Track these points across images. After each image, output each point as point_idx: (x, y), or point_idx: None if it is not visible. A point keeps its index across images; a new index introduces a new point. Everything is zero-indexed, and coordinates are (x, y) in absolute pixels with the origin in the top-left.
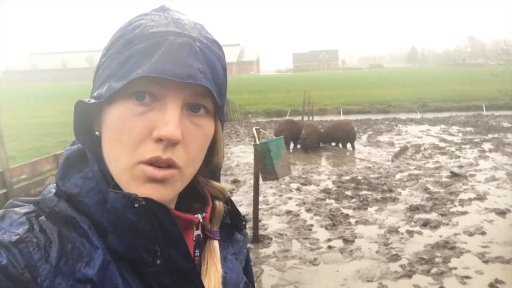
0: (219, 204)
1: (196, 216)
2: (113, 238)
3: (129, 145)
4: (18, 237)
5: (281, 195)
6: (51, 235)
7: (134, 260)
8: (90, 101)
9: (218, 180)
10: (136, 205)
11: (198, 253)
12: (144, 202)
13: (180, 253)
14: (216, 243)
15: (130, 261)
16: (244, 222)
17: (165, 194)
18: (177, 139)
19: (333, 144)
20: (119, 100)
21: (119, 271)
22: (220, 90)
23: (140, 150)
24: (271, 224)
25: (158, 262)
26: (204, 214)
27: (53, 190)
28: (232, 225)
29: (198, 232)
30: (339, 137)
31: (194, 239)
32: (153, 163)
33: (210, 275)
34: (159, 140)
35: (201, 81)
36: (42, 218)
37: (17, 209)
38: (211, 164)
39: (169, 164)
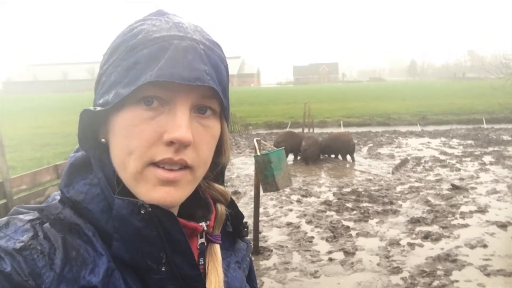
0: (221, 208)
1: (200, 224)
2: (118, 245)
3: (139, 150)
4: (22, 244)
5: (281, 207)
6: (55, 242)
7: (139, 267)
8: (96, 109)
9: (223, 180)
10: (142, 212)
11: (202, 262)
12: (150, 209)
13: (186, 261)
14: (217, 247)
15: (134, 268)
16: (246, 229)
17: (177, 197)
18: (189, 141)
19: (333, 156)
20: (127, 106)
21: (123, 279)
22: (225, 91)
23: (151, 153)
24: (272, 236)
25: (163, 269)
26: (208, 222)
27: (58, 197)
28: (234, 231)
29: (202, 240)
30: (338, 149)
31: (198, 247)
32: (165, 164)
33: (211, 279)
34: (170, 143)
35: (208, 83)
36: (47, 225)
37: (21, 216)
38: (217, 166)
39: (182, 165)
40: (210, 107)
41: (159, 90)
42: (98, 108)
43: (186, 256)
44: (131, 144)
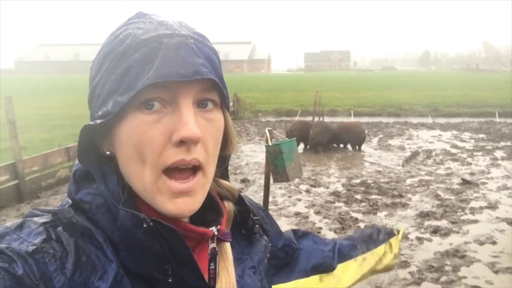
0: (229, 205)
1: (210, 229)
2: (125, 254)
3: (151, 157)
4: (35, 247)
5: (290, 196)
6: (67, 246)
7: (146, 277)
8: (97, 122)
9: (227, 174)
10: (144, 225)
11: (213, 266)
12: (152, 224)
13: (192, 273)
14: (227, 245)
15: (142, 277)
16: (256, 225)
17: (194, 205)
18: (198, 137)
19: (341, 145)
20: (129, 114)
21: (132, 286)
22: (223, 81)
23: (163, 158)
24: (280, 225)
25: (170, 280)
26: (219, 226)
27: (71, 201)
28: (245, 229)
29: (214, 245)
30: (349, 139)
31: (209, 252)
32: (179, 166)
33: (222, 278)
34: (180, 143)
35: (207, 75)
36: (60, 228)
37: (35, 219)
38: (225, 161)
39: (194, 165)
40: (210, 100)
41: (159, 91)
42: (99, 121)
43: (192, 269)
44: (142, 153)
